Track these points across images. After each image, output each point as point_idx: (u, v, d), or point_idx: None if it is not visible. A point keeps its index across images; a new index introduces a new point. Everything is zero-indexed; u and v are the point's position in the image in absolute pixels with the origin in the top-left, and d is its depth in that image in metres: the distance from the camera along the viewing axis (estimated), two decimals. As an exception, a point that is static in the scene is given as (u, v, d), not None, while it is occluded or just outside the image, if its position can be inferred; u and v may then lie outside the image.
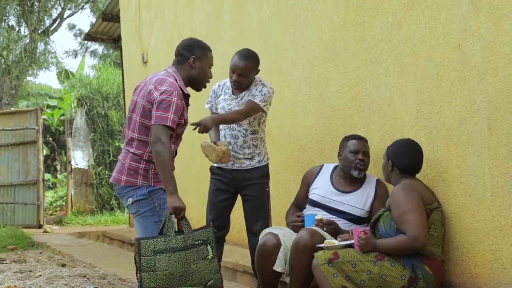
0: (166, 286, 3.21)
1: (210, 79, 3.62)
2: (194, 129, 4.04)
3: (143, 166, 3.38)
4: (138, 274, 3.21)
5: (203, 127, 4.03)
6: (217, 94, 4.42)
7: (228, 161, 4.22)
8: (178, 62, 3.54)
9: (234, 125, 4.28)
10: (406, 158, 3.59)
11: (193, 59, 3.50)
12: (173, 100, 3.32)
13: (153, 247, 3.21)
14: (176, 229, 3.34)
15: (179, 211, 3.28)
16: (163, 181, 3.30)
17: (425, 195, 3.50)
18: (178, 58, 3.55)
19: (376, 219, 3.57)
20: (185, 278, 3.24)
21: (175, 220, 3.33)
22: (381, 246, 3.42)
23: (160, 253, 3.21)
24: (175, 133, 3.45)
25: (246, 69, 4.17)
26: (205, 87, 3.64)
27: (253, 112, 4.19)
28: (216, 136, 4.41)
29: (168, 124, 3.29)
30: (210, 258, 3.34)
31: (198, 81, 3.56)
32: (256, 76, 4.31)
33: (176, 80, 3.44)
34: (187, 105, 3.54)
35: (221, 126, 4.39)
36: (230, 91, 4.33)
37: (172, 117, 3.30)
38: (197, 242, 3.32)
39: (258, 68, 4.29)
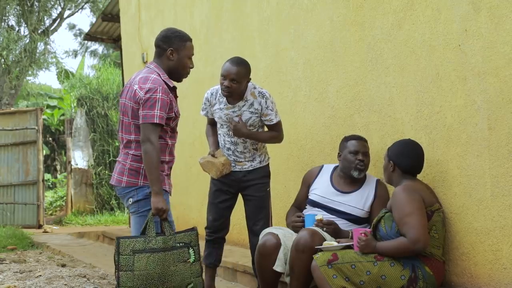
0: (143, 286, 3.20)
1: (191, 69, 3.58)
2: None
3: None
4: (116, 273, 3.21)
5: (234, 131, 4.18)
6: (211, 103, 4.33)
7: (229, 170, 4.23)
8: (157, 54, 3.51)
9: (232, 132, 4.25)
10: (408, 158, 3.59)
11: (170, 51, 3.46)
12: (158, 96, 3.30)
13: (132, 246, 3.22)
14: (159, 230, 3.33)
15: (162, 213, 3.27)
16: (149, 181, 3.28)
17: (427, 196, 3.49)
18: (156, 50, 3.51)
19: (377, 220, 3.56)
20: (163, 280, 3.23)
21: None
22: (381, 248, 3.41)
23: (139, 253, 3.21)
24: (170, 128, 3.44)
25: (238, 74, 4.07)
26: (185, 77, 3.60)
27: (282, 128, 4.34)
28: (214, 143, 4.38)
29: (155, 122, 3.28)
30: (191, 261, 3.31)
31: (177, 72, 3.51)
32: (250, 83, 4.23)
33: (159, 75, 3.41)
34: (176, 96, 3.52)
35: (219, 131, 4.36)
36: (225, 99, 4.24)
37: (158, 113, 3.29)
38: (178, 245, 3.30)
39: (250, 77, 4.20)
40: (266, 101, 4.20)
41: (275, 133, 4.30)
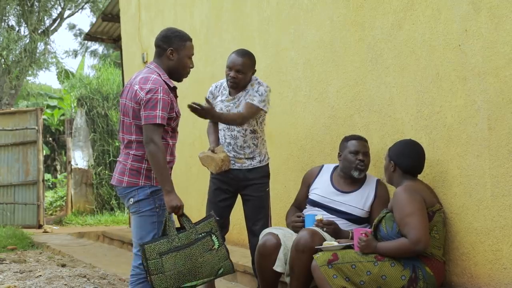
0: (177, 284, 3.27)
1: (191, 69, 3.57)
2: (192, 110, 3.91)
3: (145, 166, 3.37)
4: (148, 278, 3.25)
5: (201, 113, 3.97)
6: (214, 95, 4.38)
7: (228, 167, 4.22)
8: (157, 54, 3.52)
9: (233, 126, 4.27)
10: (409, 158, 3.58)
11: (170, 51, 3.46)
12: (159, 97, 3.30)
13: (157, 249, 3.25)
14: (178, 226, 3.36)
15: (178, 209, 3.30)
16: (159, 181, 3.31)
17: (427, 197, 3.49)
18: (157, 50, 3.52)
19: (378, 220, 3.56)
20: (194, 273, 3.29)
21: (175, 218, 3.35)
22: (382, 248, 3.41)
23: (165, 254, 3.25)
24: (170, 128, 3.45)
25: (244, 65, 4.15)
26: (186, 77, 3.59)
27: (253, 114, 4.17)
28: (215, 140, 4.38)
29: (157, 122, 3.29)
30: (216, 248, 3.37)
31: (177, 72, 3.51)
32: (254, 76, 4.29)
33: (159, 75, 3.41)
34: (176, 96, 3.53)
35: (220, 126, 4.38)
36: (227, 92, 4.29)
37: (160, 114, 3.29)
38: (200, 235, 3.35)
39: (255, 68, 4.27)
40: (258, 87, 4.21)
41: (241, 113, 4.16)
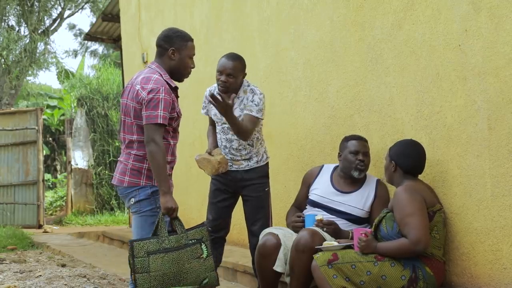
0: (160, 286, 3.23)
1: (192, 69, 3.57)
2: (212, 97, 3.81)
3: (147, 166, 3.37)
4: (132, 276, 3.23)
5: (220, 104, 3.88)
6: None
7: (226, 169, 4.21)
8: (159, 54, 3.52)
9: (227, 129, 4.26)
10: (410, 158, 3.58)
11: (172, 51, 3.46)
12: (160, 97, 3.30)
13: (146, 248, 3.23)
14: (170, 229, 3.35)
15: (172, 211, 3.29)
16: (157, 181, 3.30)
17: (428, 197, 3.49)
18: (158, 50, 3.52)
19: (379, 220, 3.56)
20: (179, 278, 3.26)
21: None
22: (382, 249, 3.41)
23: (153, 254, 3.23)
24: (172, 128, 3.45)
25: (234, 69, 4.12)
26: (187, 77, 3.59)
27: (256, 125, 4.16)
28: (214, 142, 4.38)
29: (159, 122, 3.29)
30: (204, 257, 3.34)
31: (178, 72, 3.51)
32: (245, 80, 4.25)
33: (161, 75, 3.42)
34: (177, 96, 3.52)
35: (217, 129, 4.37)
36: (220, 97, 4.28)
37: (162, 114, 3.29)
38: (190, 242, 3.33)
39: (245, 72, 4.23)
40: (253, 96, 4.19)
41: (245, 126, 4.11)
